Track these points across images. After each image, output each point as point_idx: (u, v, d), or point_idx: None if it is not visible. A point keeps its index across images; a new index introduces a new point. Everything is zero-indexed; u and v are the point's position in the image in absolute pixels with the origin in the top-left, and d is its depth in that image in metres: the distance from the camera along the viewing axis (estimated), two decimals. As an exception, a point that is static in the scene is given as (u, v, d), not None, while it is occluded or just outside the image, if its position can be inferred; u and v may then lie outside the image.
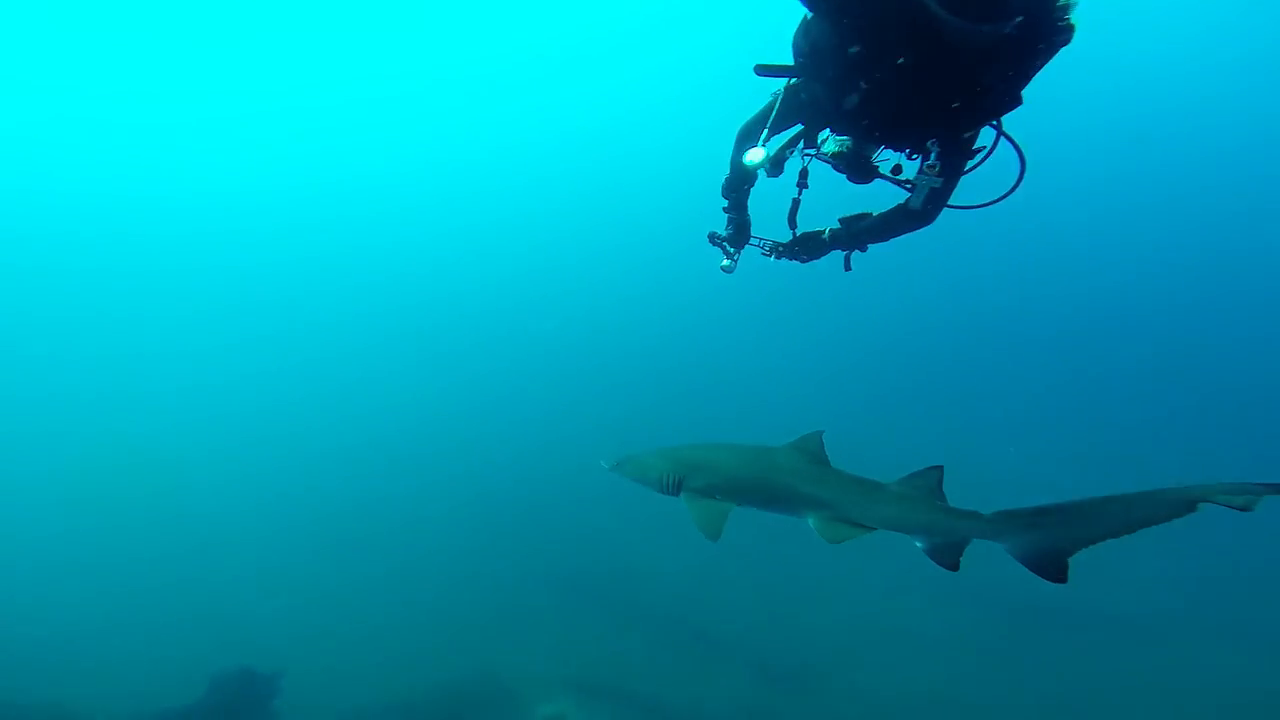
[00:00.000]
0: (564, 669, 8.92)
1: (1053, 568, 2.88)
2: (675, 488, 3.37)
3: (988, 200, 3.17)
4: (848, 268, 3.48)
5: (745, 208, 3.62)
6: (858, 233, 3.32)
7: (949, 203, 3.02)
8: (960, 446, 13.97)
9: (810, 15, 2.67)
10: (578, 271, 32.02)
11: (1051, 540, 2.87)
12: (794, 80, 3.02)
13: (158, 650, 9.33)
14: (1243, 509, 2.45)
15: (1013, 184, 3.10)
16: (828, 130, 3.14)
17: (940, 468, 3.15)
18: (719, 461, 3.40)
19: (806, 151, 3.21)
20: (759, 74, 2.93)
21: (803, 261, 3.56)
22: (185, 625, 10.05)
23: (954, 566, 3.09)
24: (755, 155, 3.10)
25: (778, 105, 3.09)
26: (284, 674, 8.65)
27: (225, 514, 14.05)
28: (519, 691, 8.57)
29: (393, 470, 15.57)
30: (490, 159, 39.65)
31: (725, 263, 3.67)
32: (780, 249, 3.56)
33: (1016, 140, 2.90)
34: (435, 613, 10.24)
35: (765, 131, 3.12)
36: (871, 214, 3.25)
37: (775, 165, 3.31)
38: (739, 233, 3.64)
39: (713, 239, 3.71)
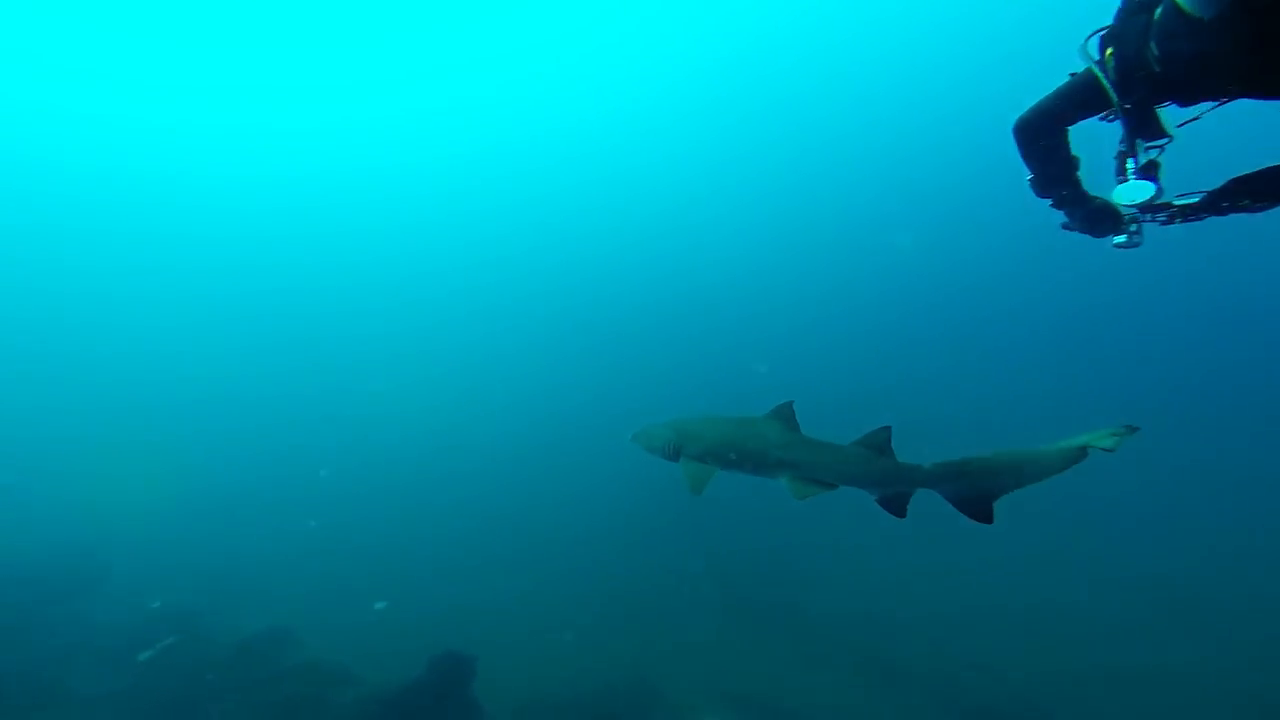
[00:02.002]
0: (723, 681, 9.00)
1: (980, 511, 3.44)
2: (675, 454, 3.88)
3: None
4: None
5: (1086, 194, 2.93)
6: None
7: None
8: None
9: None
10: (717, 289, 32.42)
11: (977, 487, 3.42)
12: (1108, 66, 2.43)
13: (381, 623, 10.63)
14: (1110, 450, 3.10)
15: None
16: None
17: (888, 427, 3.60)
18: (709, 431, 3.92)
19: (1152, 145, 2.53)
20: (1126, 97, 2.41)
21: (1255, 211, 2.55)
22: (399, 603, 11.30)
23: (901, 514, 3.64)
24: (1144, 191, 2.52)
25: (1116, 99, 2.44)
26: (477, 659, 9.39)
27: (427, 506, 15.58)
28: (677, 701, 8.71)
29: (562, 472, 16.34)
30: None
31: (1119, 239, 2.90)
32: (1200, 208, 2.57)
33: None
34: (598, 614, 10.67)
35: (1133, 160, 2.53)
36: None
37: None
38: (1103, 213, 2.90)
39: (1069, 228, 3.06)
